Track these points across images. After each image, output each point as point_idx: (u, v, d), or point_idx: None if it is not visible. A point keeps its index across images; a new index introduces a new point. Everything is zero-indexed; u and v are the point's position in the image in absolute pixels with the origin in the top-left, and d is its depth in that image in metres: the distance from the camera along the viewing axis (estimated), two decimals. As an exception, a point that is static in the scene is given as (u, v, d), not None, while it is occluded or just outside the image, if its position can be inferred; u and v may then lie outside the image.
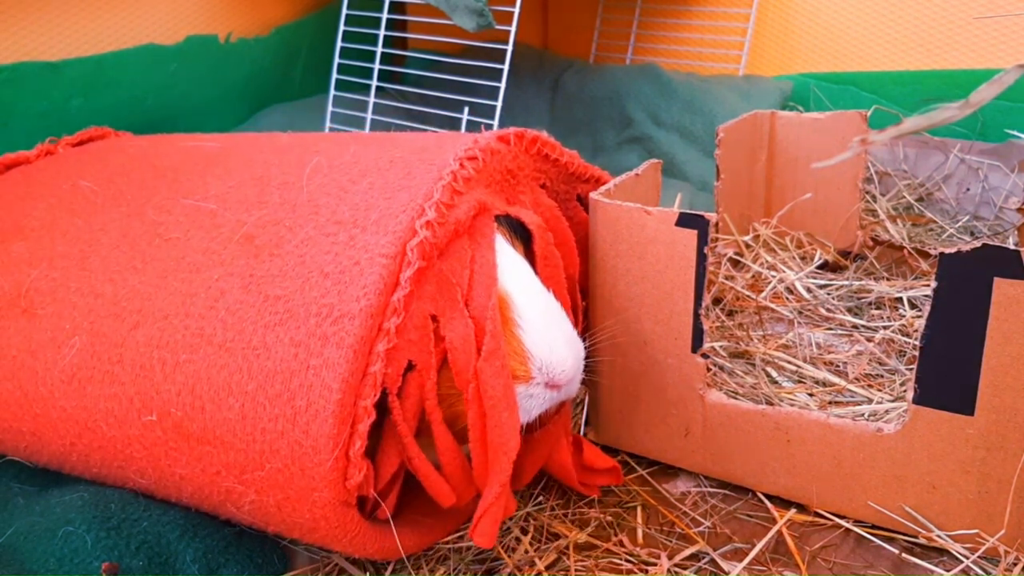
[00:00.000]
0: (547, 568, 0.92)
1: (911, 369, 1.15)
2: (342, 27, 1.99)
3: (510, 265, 0.88)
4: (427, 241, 0.79)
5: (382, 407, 0.78)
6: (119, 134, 1.51)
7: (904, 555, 0.91)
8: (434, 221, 0.81)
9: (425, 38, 2.34)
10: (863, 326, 1.32)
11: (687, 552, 0.93)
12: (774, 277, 1.44)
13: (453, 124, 1.89)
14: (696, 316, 0.99)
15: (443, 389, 0.82)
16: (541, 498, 1.05)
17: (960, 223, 1.74)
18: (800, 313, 1.37)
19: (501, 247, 0.89)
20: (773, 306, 1.38)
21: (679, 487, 1.07)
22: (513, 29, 1.74)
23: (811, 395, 1.14)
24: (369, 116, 1.94)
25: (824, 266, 1.54)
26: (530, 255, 0.96)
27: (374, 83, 1.95)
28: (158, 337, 0.84)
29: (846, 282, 1.45)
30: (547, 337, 0.85)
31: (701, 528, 0.98)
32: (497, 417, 0.79)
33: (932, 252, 1.48)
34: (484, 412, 0.80)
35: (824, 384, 1.16)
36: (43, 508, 0.90)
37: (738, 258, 1.52)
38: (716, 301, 1.42)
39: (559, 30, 2.86)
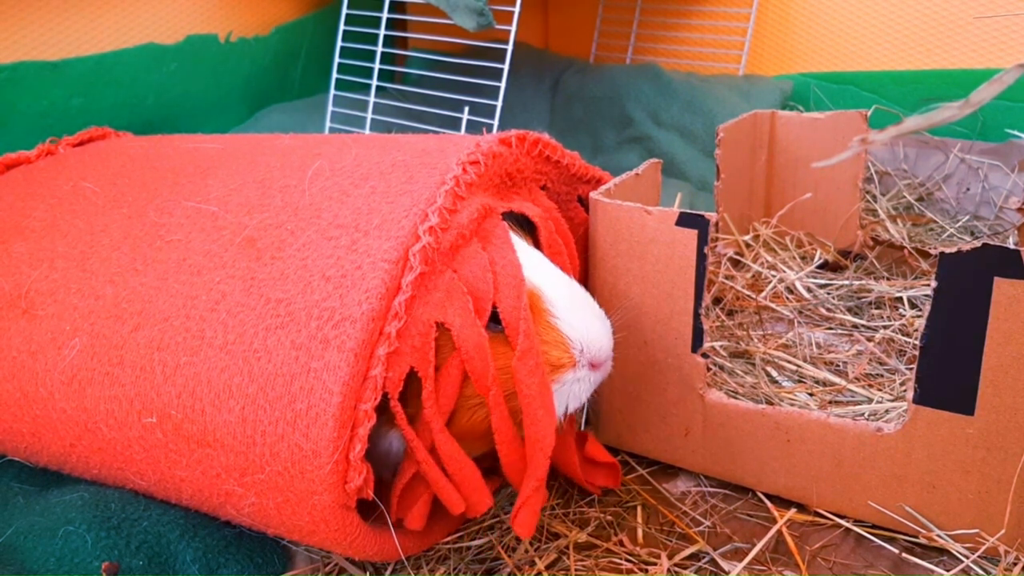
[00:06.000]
0: (547, 568, 0.92)
1: (911, 369, 1.15)
2: (342, 27, 1.99)
3: (528, 257, 0.89)
4: (430, 246, 0.79)
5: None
6: (120, 134, 1.51)
7: (904, 555, 0.91)
8: (437, 226, 0.81)
9: (425, 38, 2.34)
10: (863, 326, 1.32)
11: (687, 552, 0.93)
12: (774, 277, 1.44)
13: (453, 124, 1.88)
14: (696, 316, 0.99)
15: (472, 400, 0.83)
16: (541, 498, 1.05)
17: (960, 223, 1.74)
18: (800, 313, 1.37)
19: (516, 242, 0.90)
20: (773, 306, 1.38)
21: (679, 487, 1.07)
22: (513, 29, 1.74)
23: (811, 395, 1.14)
24: (369, 116, 1.94)
25: (824, 266, 1.54)
26: (535, 246, 0.96)
27: (374, 83, 1.95)
28: (159, 339, 0.84)
29: (846, 282, 1.45)
30: (581, 319, 0.87)
31: (701, 528, 0.98)
32: (533, 414, 0.80)
33: (932, 252, 1.48)
34: (507, 416, 0.81)
35: (824, 384, 1.16)
36: (43, 508, 0.90)
37: (738, 258, 1.52)
38: (716, 301, 1.42)
39: (559, 30, 2.85)
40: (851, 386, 1.14)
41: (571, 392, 0.87)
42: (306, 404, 0.73)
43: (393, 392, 0.77)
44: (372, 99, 1.94)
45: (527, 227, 1.00)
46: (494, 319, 0.83)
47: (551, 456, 1.00)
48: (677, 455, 1.08)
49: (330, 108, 2.00)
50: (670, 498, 1.04)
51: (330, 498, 0.74)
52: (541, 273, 0.89)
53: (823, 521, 0.98)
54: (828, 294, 1.42)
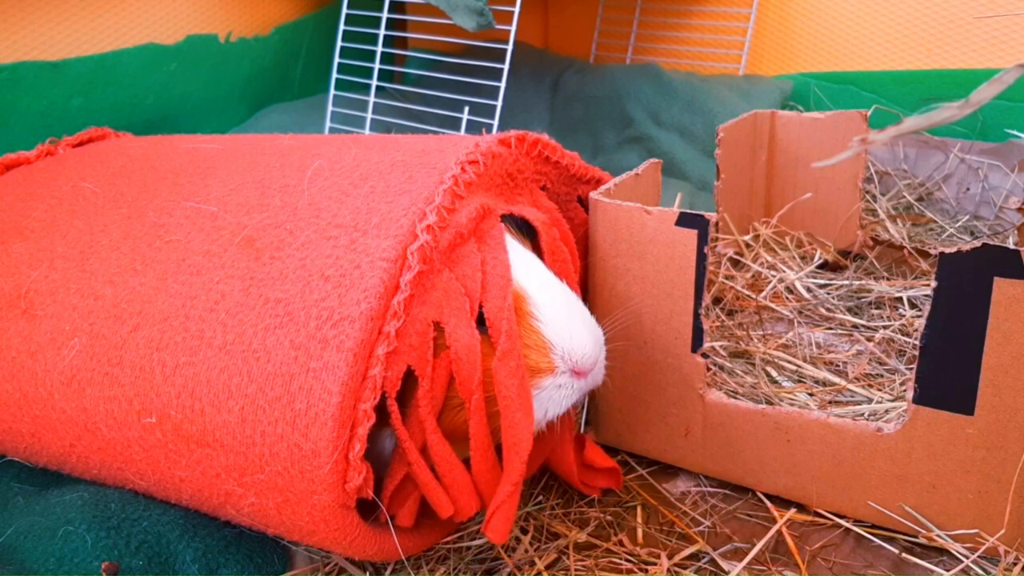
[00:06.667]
0: (547, 568, 0.92)
1: (911, 369, 1.15)
2: (342, 26, 1.99)
3: (522, 260, 0.88)
4: (428, 245, 0.79)
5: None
6: (119, 135, 1.51)
7: (904, 555, 0.91)
8: (435, 225, 0.81)
9: (425, 38, 2.34)
10: (863, 326, 1.32)
11: (687, 552, 0.93)
12: (774, 277, 1.44)
13: (453, 124, 1.88)
14: (696, 316, 0.99)
15: (455, 400, 0.82)
16: (541, 498, 1.05)
17: (960, 223, 1.74)
18: (800, 313, 1.37)
19: (511, 244, 0.89)
20: (773, 306, 1.38)
21: (679, 487, 1.07)
22: (513, 29, 1.74)
23: (811, 395, 1.14)
24: (369, 116, 1.94)
25: (824, 266, 1.54)
26: (536, 251, 0.96)
27: (374, 83, 1.95)
28: (158, 339, 0.84)
29: (846, 282, 1.45)
30: (566, 325, 0.85)
31: (701, 528, 0.98)
32: (511, 416, 0.78)
33: (932, 252, 1.48)
34: (485, 423, 0.80)
35: (824, 384, 1.16)
36: (43, 508, 0.90)
37: (738, 258, 1.52)
38: (716, 301, 1.42)
39: (559, 30, 2.85)
40: (851, 386, 1.14)
41: (551, 398, 0.85)
42: (305, 404, 0.73)
43: (391, 392, 0.77)
44: (372, 99, 1.94)
45: (530, 231, 0.99)
46: (480, 321, 0.81)
47: (549, 461, 1.01)
48: (677, 455, 1.08)
49: (330, 108, 2.00)
50: (670, 498, 1.04)
51: (330, 498, 0.74)
52: (530, 276, 0.87)
53: (823, 521, 0.98)
54: (828, 294, 1.42)
